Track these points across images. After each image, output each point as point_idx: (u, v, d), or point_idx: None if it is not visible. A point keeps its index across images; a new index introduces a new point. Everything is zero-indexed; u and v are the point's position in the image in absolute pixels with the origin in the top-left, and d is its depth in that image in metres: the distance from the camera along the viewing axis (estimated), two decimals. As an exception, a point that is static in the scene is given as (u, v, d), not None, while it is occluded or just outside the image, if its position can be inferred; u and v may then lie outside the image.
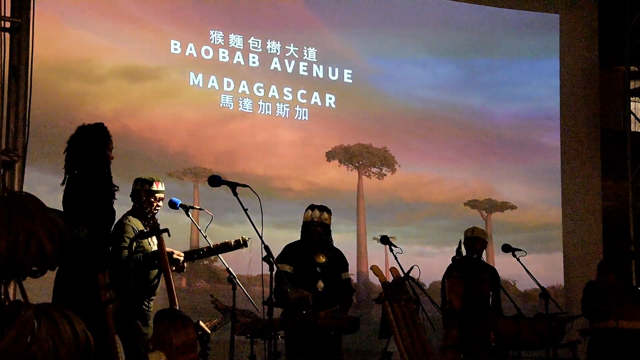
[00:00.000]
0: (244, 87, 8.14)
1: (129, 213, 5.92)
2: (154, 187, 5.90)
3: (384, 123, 8.72)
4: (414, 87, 8.88)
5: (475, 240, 7.58)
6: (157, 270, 5.90)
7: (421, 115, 8.88)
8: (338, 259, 7.23)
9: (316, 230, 7.01)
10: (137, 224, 5.83)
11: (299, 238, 7.17)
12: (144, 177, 5.95)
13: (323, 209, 7.08)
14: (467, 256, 7.49)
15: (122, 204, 5.93)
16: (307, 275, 6.91)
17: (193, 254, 6.02)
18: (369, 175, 8.61)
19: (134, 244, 5.69)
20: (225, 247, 5.95)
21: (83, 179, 5.23)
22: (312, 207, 7.09)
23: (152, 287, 5.91)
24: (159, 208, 5.92)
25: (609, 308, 7.58)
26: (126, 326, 5.54)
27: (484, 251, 7.80)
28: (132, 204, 6.00)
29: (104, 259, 5.24)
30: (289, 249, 7.07)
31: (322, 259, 7.07)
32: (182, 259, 5.84)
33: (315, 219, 7.01)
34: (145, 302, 5.87)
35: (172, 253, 5.79)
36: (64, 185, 5.36)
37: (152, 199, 5.86)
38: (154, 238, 5.80)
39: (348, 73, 8.63)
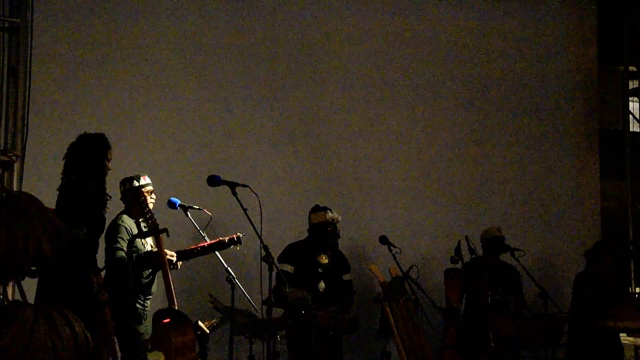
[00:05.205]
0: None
1: (122, 213, 5.91)
2: (140, 182, 5.89)
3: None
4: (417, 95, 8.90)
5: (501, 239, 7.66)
6: (150, 269, 5.89)
7: (423, 121, 8.87)
8: (340, 261, 7.24)
9: (333, 232, 7.05)
10: (130, 224, 5.82)
11: (295, 238, 7.18)
12: (127, 176, 5.96)
13: (332, 210, 7.11)
14: (486, 256, 7.60)
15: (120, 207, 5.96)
16: (308, 276, 6.92)
17: (187, 254, 5.99)
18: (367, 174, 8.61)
19: (126, 243, 5.68)
20: (219, 245, 5.92)
21: (78, 186, 5.24)
22: (323, 209, 7.09)
23: (146, 285, 5.89)
24: (152, 201, 5.88)
25: (602, 303, 7.54)
26: (123, 326, 5.53)
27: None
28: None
29: (95, 261, 5.27)
30: (291, 248, 7.07)
31: (325, 260, 7.08)
32: (174, 259, 5.82)
33: (331, 220, 7.05)
34: (140, 301, 5.85)
35: (165, 254, 5.75)
36: (59, 190, 5.37)
37: (143, 194, 5.81)
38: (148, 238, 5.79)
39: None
